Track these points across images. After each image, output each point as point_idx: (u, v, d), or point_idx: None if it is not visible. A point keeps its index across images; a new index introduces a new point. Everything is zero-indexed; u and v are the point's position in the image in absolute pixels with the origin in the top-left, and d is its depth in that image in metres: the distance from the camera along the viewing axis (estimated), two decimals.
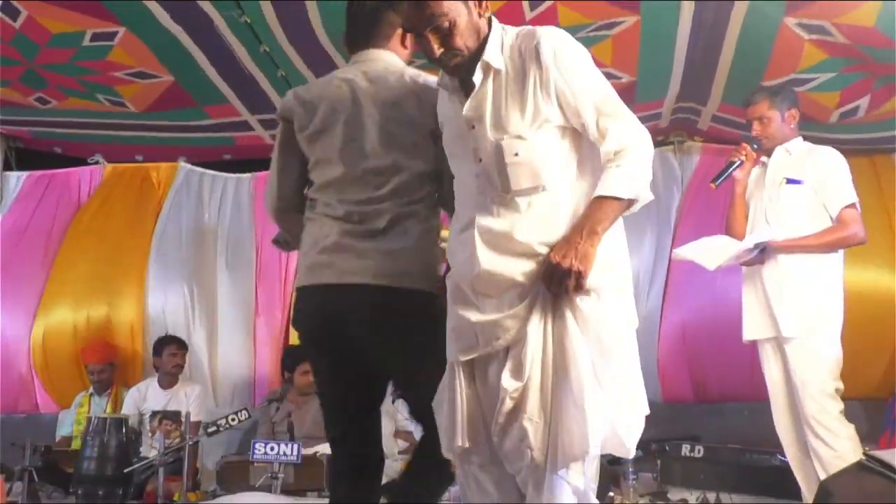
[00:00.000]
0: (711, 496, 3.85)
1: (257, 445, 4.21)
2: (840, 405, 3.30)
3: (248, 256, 5.86)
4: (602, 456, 4.45)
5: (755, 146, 3.52)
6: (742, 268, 3.61)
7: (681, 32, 3.96)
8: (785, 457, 3.57)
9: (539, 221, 2.09)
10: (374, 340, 2.36)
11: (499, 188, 2.12)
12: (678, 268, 5.16)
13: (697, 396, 5.28)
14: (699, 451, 4.17)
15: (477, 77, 2.14)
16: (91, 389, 5.40)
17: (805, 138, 3.71)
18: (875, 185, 4.97)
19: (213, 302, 5.82)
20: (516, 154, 2.08)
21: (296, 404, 4.98)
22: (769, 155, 3.59)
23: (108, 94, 4.93)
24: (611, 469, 4.33)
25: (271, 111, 5.13)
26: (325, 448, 4.57)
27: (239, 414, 4.20)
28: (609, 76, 4.23)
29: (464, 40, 2.11)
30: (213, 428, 4.23)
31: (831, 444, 3.21)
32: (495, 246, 2.11)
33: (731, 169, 3.49)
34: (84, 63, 4.54)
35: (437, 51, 2.12)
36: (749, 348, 3.84)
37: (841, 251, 3.51)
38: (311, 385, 4.99)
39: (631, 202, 2.08)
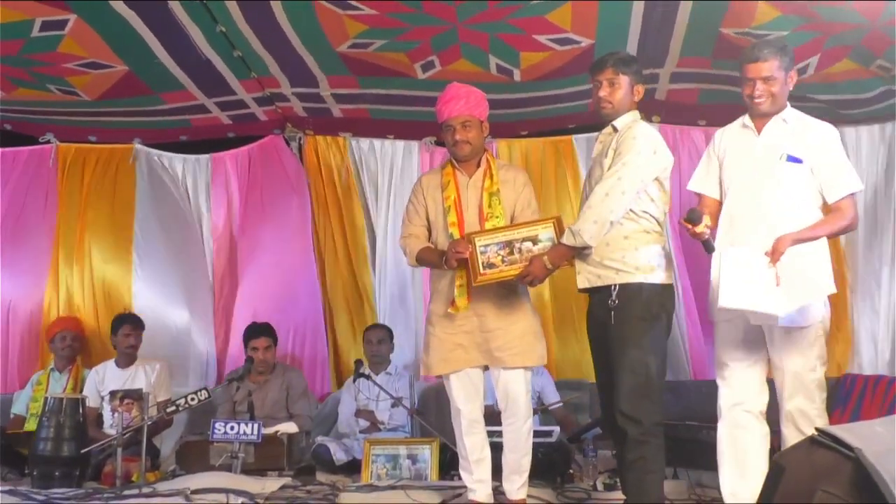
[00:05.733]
0: (669, 471, 3.90)
1: (217, 425, 4.19)
2: (825, 394, 3.08)
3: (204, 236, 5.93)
4: (561, 434, 4.49)
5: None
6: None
7: None
8: None
9: None
10: None
11: None
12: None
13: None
14: None
15: None
16: (52, 365, 5.30)
17: None
18: None
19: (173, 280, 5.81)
20: None
21: (256, 384, 4.95)
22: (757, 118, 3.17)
23: (59, 84, 4.80)
24: (570, 446, 4.39)
25: (229, 94, 5.08)
26: (285, 427, 4.55)
27: (198, 393, 4.17)
28: (568, 41, 4.29)
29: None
30: (172, 407, 4.21)
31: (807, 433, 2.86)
32: None
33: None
34: (34, 56, 4.40)
35: None
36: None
37: None
38: (263, 363, 4.97)
39: None
